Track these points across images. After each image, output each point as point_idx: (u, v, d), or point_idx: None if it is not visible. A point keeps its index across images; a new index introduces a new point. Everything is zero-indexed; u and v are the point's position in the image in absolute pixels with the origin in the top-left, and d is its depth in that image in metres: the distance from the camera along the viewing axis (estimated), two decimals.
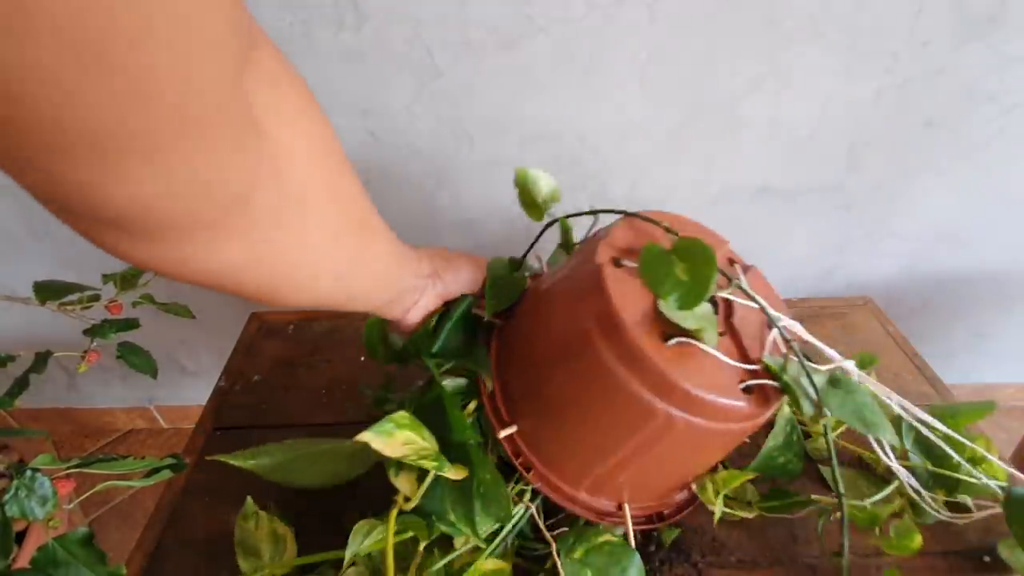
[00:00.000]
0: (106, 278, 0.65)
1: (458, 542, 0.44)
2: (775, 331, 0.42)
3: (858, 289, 1.07)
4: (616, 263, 0.42)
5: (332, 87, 0.79)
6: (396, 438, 0.39)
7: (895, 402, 0.46)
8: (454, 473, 0.41)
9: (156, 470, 0.47)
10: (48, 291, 0.61)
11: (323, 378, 0.70)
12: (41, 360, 0.61)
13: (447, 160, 0.87)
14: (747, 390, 0.40)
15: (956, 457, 0.48)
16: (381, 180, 0.89)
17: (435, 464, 0.40)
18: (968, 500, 0.51)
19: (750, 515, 0.52)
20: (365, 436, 0.38)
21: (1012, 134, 0.84)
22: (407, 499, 0.42)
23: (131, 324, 0.63)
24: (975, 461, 0.51)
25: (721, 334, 0.42)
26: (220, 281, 0.27)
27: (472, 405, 0.50)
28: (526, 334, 0.49)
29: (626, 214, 0.47)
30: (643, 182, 0.90)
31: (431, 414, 0.44)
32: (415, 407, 0.44)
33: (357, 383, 0.68)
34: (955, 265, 1.04)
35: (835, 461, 0.42)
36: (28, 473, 0.43)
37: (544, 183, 0.53)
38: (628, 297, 0.40)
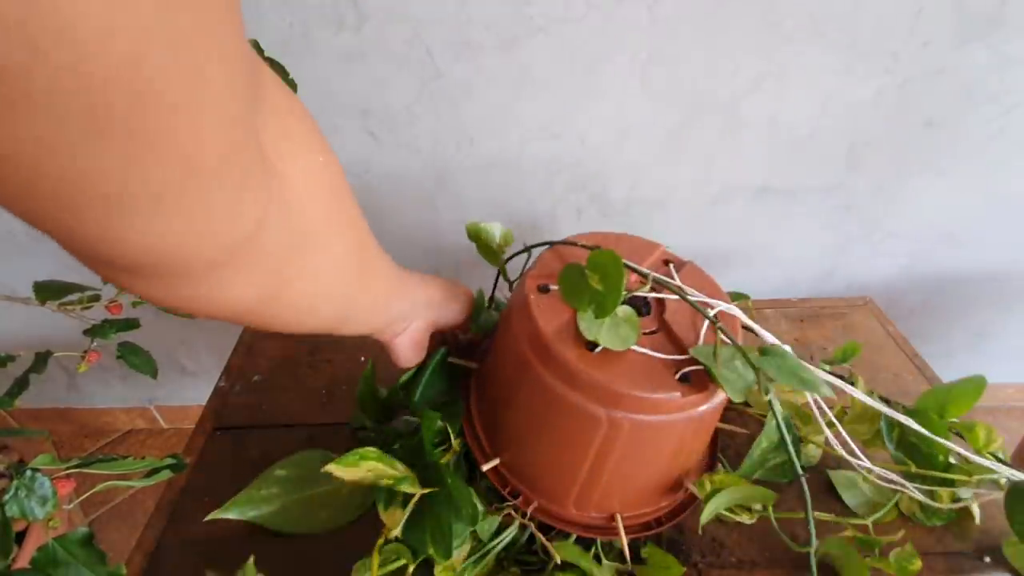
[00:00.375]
0: None
1: (438, 569, 0.47)
2: (707, 320, 0.44)
3: (858, 289, 1.07)
4: (543, 289, 0.46)
5: (332, 87, 0.79)
6: (361, 467, 0.44)
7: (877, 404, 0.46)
8: (415, 489, 0.45)
9: (156, 470, 0.47)
10: (48, 291, 0.61)
11: (323, 378, 0.70)
12: (41, 360, 0.61)
13: (447, 160, 0.87)
14: (685, 379, 0.41)
15: (953, 447, 0.48)
16: (381, 180, 0.89)
17: (392, 482, 0.44)
18: (969, 496, 0.52)
19: (750, 520, 0.52)
20: (330, 467, 0.43)
21: (1012, 134, 0.84)
22: (391, 531, 0.45)
23: (131, 324, 0.63)
24: (985, 447, 0.51)
25: (655, 331, 0.45)
26: (230, 314, 0.28)
27: (457, 443, 0.54)
28: (492, 370, 0.54)
29: (551, 244, 0.51)
30: (643, 182, 0.90)
31: (415, 455, 0.47)
32: (402, 450, 0.48)
33: (357, 383, 0.68)
34: (955, 265, 1.04)
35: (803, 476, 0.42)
36: (28, 473, 0.43)
37: (496, 231, 0.59)
38: (553, 317, 0.44)
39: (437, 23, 0.73)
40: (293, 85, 0.77)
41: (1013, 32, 0.74)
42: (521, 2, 0.71)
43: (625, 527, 0.48)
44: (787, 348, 0.42)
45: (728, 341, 0.42)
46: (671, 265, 0.51)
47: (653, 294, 0.47)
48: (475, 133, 0.84)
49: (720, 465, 0.57)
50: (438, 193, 0.91)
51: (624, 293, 0.42)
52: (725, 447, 0.60)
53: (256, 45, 0.74)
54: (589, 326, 0.42)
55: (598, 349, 0.42)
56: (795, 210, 0.94)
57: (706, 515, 0.45)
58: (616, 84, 0.79)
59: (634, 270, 0.46)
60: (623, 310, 0.43)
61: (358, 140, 0.84)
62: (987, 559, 0.51)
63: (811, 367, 0.40)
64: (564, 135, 0.84)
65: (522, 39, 0.74)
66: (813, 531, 0.44)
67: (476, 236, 0.60)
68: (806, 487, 0.43)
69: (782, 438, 0.43)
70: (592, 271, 0.42)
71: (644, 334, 0.44)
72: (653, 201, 0.92)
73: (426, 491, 0.45)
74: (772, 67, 0.77)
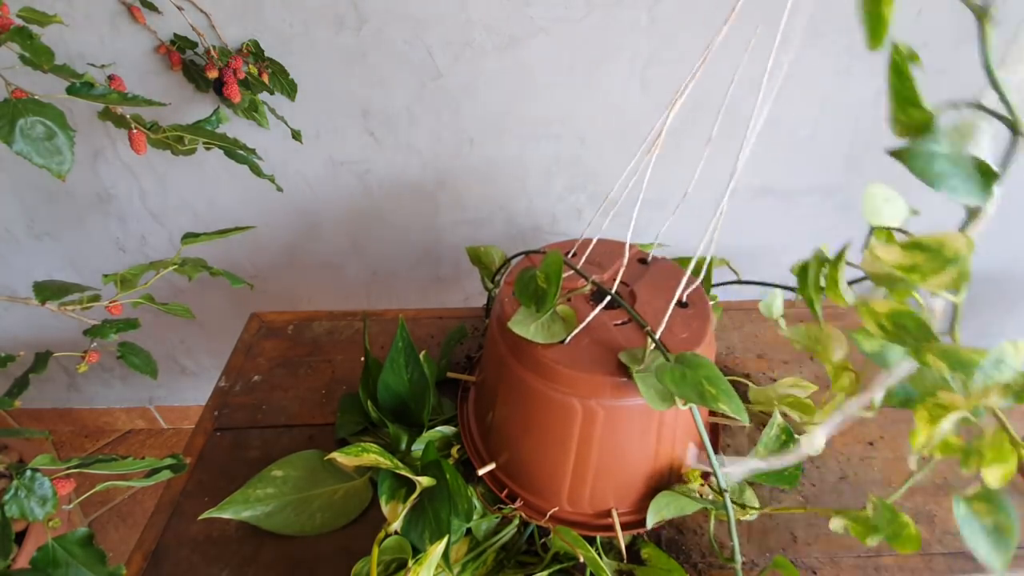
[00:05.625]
0: (106, 278, 0.65)
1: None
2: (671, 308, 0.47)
3: (858, 290, 1.07)
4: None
5: (332, 87, 0.79)
6: (362, 458, 0.47)
7: None
8: (410, 473, 0.47)
9: (156, 470, 0.47)
10: (48, 291, 0.61)
11: (323, 378, 0.70)
12: (41, 360, 0.60)
13: (447, 160, 0.87)
14: None
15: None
16: (381, 180, 0.89)
17: (389, 464, 0.47)
18: None
19: (750, 518, 0.52)
20: (335, 454, 0.46)
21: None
22: (391, 525, 0.47)
23: (131, 324, 0.63)
24: None
25: (626, 322, 0.47)
26: None
27: (455, 449, 0.56)
28: (482, 376, 0.57)
29: (526, 253, 0.55)
30: (643, 182, 0.90)
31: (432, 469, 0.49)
32: (423, 465, 0.50)
33: (357, 383, 0.68)
34: None
35: (716, 464, 0.42)
36: (28, 473, 0.43)
37: (494, 253, 0.66)
38: None
39: (437, 23, 0.73)
40: (293, 85, 0.77)
41: (1013, 33, 0.74)
42: (521, 2, 0.71)
43: (621, 524, 0.49)
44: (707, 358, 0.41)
45: (657, 347, 0.43)
46: (643, 263, 0.54)
47: (582, 286, 0.50)
48: (475, 133, 0.84)
49: (721, 464, 0.57)
50: (438, 193, 0.91)
51: (560, 292, 0.45)
52: (725, 446, 0.60)
53: (256, 45, 0.74)
54: (523, 320, 0.45)
55: (567, 340, 0.44)
56: (795, 210, 0.94)
57: (651, 517, 0.47)
58: (616, 84, 0.79)
59: (577, 271, 0.50)
60: (563, 309, 0.46)
61: (358, 140, 0.84)
62: None
63: (724, 382, 0.38)
64: (564, 135, 0.84)
65: (522, 39, 0.74)
66: (737, 546, 0.45)
67: (477, 259, 0.65)
68: (729, 506, 0.43)
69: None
70: (540, 271, 0.46)
71: (615, 325, 0.47)
72: (653, 201, 0.92)
73: (425, 481, 0.46)
74: (772, 67, 0.77)
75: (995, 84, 0.24)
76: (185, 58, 0.74)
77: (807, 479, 0.57)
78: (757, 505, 0.52)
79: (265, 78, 0.74)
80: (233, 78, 0.71)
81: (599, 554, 0.48)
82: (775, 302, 0.50)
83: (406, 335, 0.57)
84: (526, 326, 0.45)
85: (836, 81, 0.79)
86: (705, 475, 0.53)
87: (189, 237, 0.60)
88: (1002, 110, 0.26)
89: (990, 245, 1.01)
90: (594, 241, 0.56)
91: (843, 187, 0.91)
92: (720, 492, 0.45)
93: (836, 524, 0.49)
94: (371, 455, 0.47)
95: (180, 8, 0.70)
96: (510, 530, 0.50)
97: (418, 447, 0.55)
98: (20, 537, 0.88)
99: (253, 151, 0.66)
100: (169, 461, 0.48)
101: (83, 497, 0.52)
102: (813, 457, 0.59)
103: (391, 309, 0.82)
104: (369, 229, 0.96)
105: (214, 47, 0.73)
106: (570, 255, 0.55)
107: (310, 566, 0.50)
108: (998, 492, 0.49)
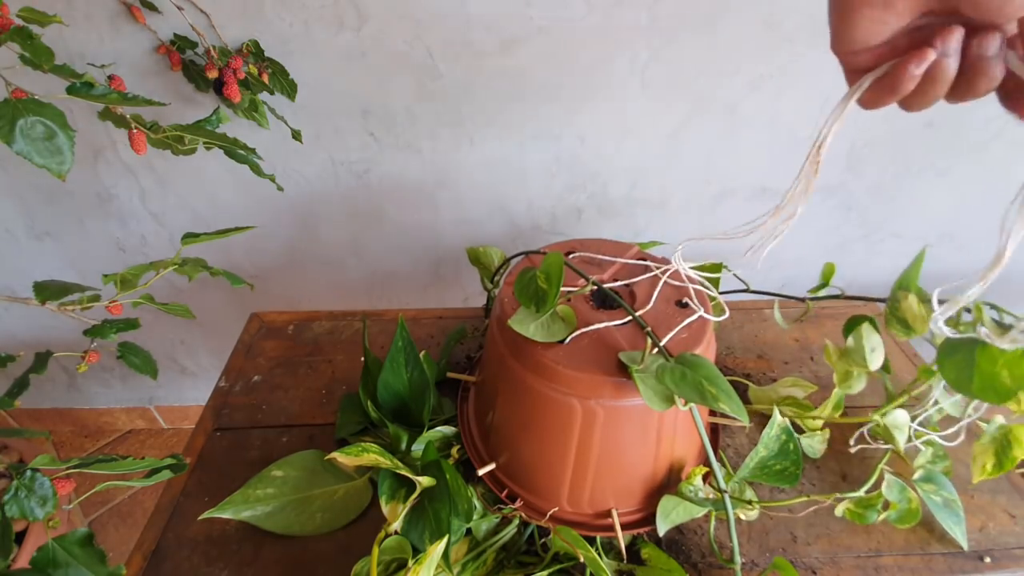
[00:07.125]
0: (106, 278, 0.65)
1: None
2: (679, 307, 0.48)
3: (858, 289, 1.07)
4: None
5: (332, 87, 0.79)
6: (362, 458, 0.46)
7: None
8: (410, 473, 0.47)
9: (156, 470, 0.47)
10: (48, 291, 0.61)
11: (323, 378, 0.70)
12: (41, 360, 0.60)
13: (447, 160, 0.87)
14: None
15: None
16: (381, 180, 0.89)
17: (389, 464, 0.47)
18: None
19: (752, 517, 0.52)
20: (335, 454, 0.46)
21: (1011, 134, 0.84)
22: (391, 525, 0.47)
23: (131, 324, 0.63)
24: None
25: (627, 322, 0.47)
26: None
27: (455, 449, 0.56)
28: (482, 376, 0.57)
29: (526, 253, 0.55)
30: (643, 182, 0.90)
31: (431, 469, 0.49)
32: (423, 466, 0.50)
33: (357, 383, 0.68)
34: (955, 265, 1.04)
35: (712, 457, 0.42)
36: (28, 473, 0.43)
37: (494, 253, 0.65)
38: None
39: (437, 23, 0.73)
40: (293, 85, 0.77)
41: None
42: (521, 2, 0.71)
43: (621, 524, 0.49)
44: (706, 358, 0.41)
45: (656, 345, 0.43)
46: (647, 262, 0.54)
47: (619, 282, 0.51)
48: (475, 133, 0.84)
49: (720, 464, 0.57)
50: (438, 193, 0.91)
51: (571, 289, 0.46)
52: (725, 446, 0.60)
53: (256, 45, 0.74)
54: (523, 319, 0.45)
55: (567, 340, 0.44)
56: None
57: (662, 524, 0.47)
58: (616, 84, 0.79)
59: (577, 272, 0.50)
60: (563, 309, 0.46)
61: (358, 140, 0.84)
62: (987, 559, 0.51)
63: (724, 382, 0.39)
64: (564, 135, 0.84)
65: (522, 39, 0.74)
66: (736, 546, 0.46)
67: (476, 260, 0.65)
68: (729, 506, 0.44)
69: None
70: (541, 272, 0.46)
71: (616, 325, 0.46)
72: (653, 201, 0.92)
73: (425, 481, 0.46)
74: (772, 68, 0.77)
75: None
76: (185, 58, 0.74)
77: (807, 479, 0.57)
78: (757, 502, 0.52)
79: (265, 78, 0.74)
80: (233, 78, 0.71)
81: (599, 554, 0.48)
82: (779, 313, 0.53)
83: (406, 335, 0.57)
84: (526, 325, 0.45)
85: (836, 81, 0.79)
86: (705, 476, 0.53)
87: (189, 237, 0.60)
88: None
89: (989, 245, 1.01)
90: (594, 241, 0.56)
91: (843, 187, 0.91)
92: (720, 492, 0.45)
93: (840, 508, 0.50)
94: (371, 455, 0.47)
95: (180, 8, 0.70)
96: (510, 530, 0.50)
97: (418, 447, 0.55)
98: (20, 537, 0.88)
99: (253, 151, 0.66)
100: (169, 461, 0.48)
101: (83, 497, 0.52)
102: (813, 456, 0.59)
103: (391, 309, 0.82)
104: (369, 229, 0.96)
105: (214, 47, 0.73)
106: (570, 255, 0.55)
107: (310, 566, 0.50)
108: (938, 474, 0.52)
